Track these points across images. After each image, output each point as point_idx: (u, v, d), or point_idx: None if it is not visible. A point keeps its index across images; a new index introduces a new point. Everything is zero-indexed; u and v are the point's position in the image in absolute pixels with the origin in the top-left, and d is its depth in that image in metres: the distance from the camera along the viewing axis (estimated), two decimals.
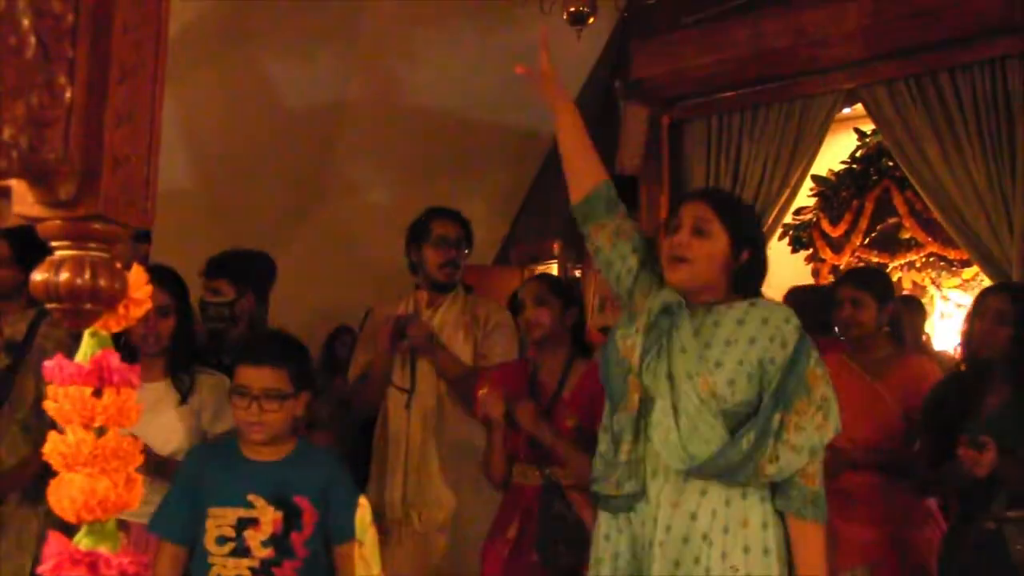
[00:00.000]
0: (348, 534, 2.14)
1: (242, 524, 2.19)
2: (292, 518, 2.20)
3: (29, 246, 2.85)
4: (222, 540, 2.19)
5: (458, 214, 3.28)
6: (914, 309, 4.02)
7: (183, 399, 2.60)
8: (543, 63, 2.29)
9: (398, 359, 3.08)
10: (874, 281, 3.35)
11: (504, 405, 2.58)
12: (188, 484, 2.29)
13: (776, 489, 2.00)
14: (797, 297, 3.72)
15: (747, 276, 2.08)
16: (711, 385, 1.96)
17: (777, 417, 1.95)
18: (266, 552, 2.17)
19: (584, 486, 2.49)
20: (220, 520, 2.20)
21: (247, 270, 3.44)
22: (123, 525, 2.47)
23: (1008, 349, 2.66)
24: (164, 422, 2.57)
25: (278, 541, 2.18)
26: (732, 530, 1.97)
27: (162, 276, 2.68)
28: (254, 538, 2.18)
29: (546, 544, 2.57)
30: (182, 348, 2.65)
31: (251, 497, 2.19)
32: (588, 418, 2.55)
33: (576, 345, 2.74)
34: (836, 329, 3.32)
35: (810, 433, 1.96)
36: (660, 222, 4.92)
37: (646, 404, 2.05)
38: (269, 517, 2.19)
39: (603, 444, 2.14)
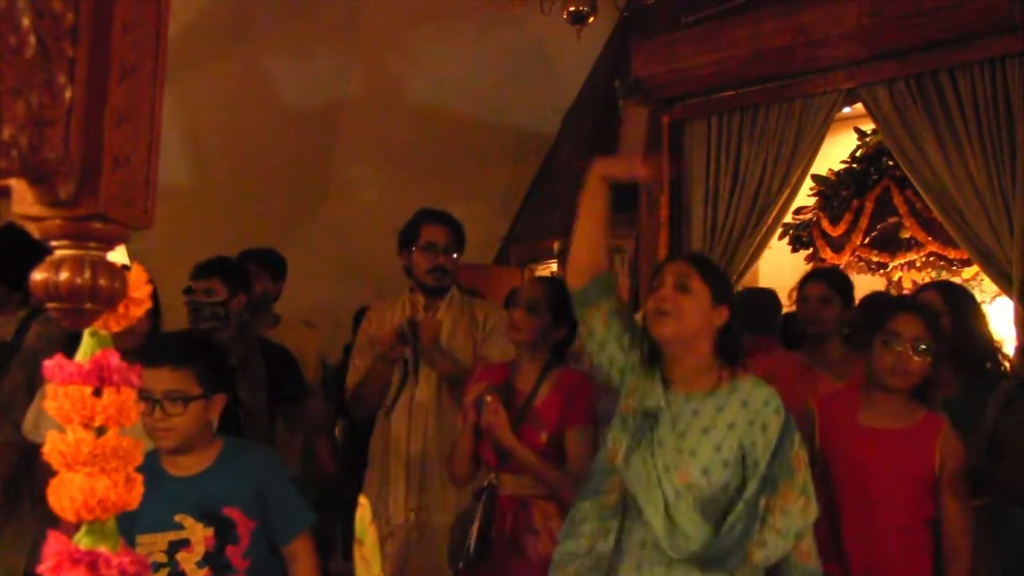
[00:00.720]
0: (293, 531, 2.13)
1: (173, 548, 2.06)
2: (225, 532, 2.08)
3: (10, 253, 2.86)
4: (156, 566, 2.05)
5: (448, 217, 3.22)
6: (892, 300, 4.04)
7: None
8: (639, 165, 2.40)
9: (398, 364, 3.07)
10: (843, 283, 3.43)
11: (476, 413, 2.58)
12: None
13: (774, 573, 2.04)
14: (746, 297, 3.76)
15: (729, 342, 2.13)
16: (685, 476, 2.01)
17: (763, 502, 2.00)
18: (202, 573, 2.05)
19: (554, 496, 2.53)
20: (151, 547, 2.06)
21: (239, 271, 3.45)
22: None
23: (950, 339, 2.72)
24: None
25: (213, 559, 2.06)
26: None
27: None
28: (188, 560, 2.06)
29: (455, 551, 2.60)
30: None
31: (178, 518, 2.07)
32: (559, 427, 2.56)
33: (555, 355, 2.72)
34: (797, 324, 3.39)
35: (795, 517, 2.01)
36: (660, 224, 4.93)
37: (626, 502, 2.11)
38: (200, 536, 2.07)
39: (574, 524, 2.18)
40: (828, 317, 3.28)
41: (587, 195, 2.30)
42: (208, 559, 2.06)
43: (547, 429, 2.57)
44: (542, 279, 3.02)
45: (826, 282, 3.40)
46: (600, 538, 2.10)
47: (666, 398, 2.10)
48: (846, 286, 3.44)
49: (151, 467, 2.11)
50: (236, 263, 3.53)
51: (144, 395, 2.05)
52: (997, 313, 4.55)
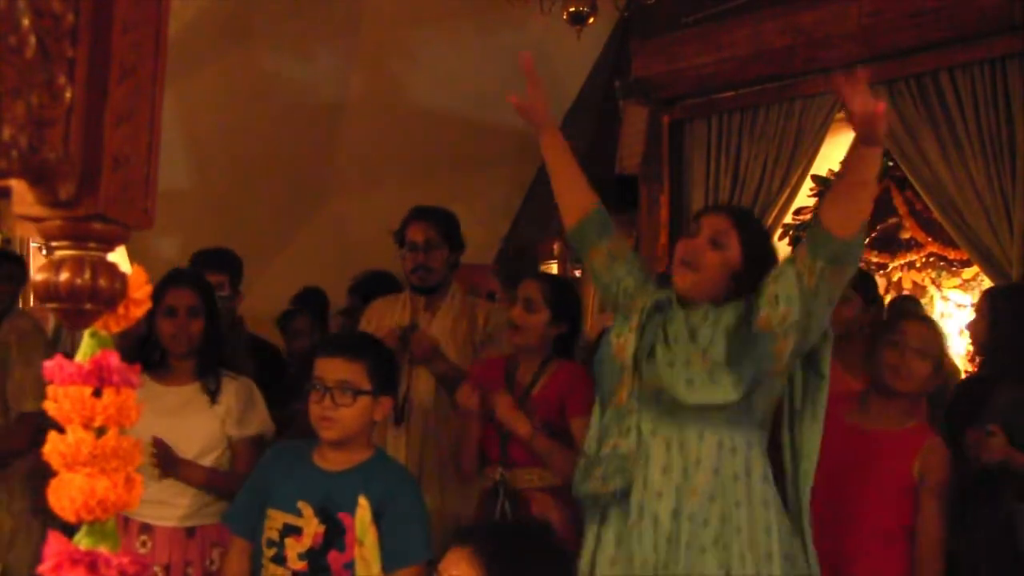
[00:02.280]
0: (398, 562, 2.03)
1: (286, 530, 2.09)
2: (334, 535, 2.06)
3: None
4: (269, 543, 2.11)
5: (434, 213, 3.16)
6: (912, 309, 4.02)
7: (212, 401, 2.60)
8: (532, 86, 2.27)
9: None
10: (864, 280, 3.36)
11: (480, 396, 2.57)
12: (258, 481, 2.22)
13: (807, 245, 1.99)
14: None
15: (746, 281, 2.10)
16: (701, 367, 2.01)
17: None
18: (300, 565, 2.06)
19: (553, 484, 2.52)
20: (272, 522, 2.11)
21: (237, 267, 3.43)
22: (147, 527, 2.50)
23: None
24: (193, 425, 2.57)
25: (315, 556, 2.05)
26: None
27: (192, 278, 2.68)
28: (293, 548, 2.07)
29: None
30: (210, 350, 2.63)
31: (301, 504, 2.08)
32: (557, 415, 2.56)
33: (556, 349, 2.71)
34: None
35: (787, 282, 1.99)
36: (660, 224, 4.93)
37: (642, 394, 2.10)
38: (312, 529, 2.07)
39: (588, 444, 2.17)
40: (848, 316, 3.16)
41: (544, 148, 2.30)
42: (310, 554, 2.06)
43: (540, 415, 2.57)
44: (538, 276, 2.95)
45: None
46: (621, 438, 2.09)
47: (678, 307, 2.11)
48: (867, 283, 3.35)
49: (301, 451, 2.18)
50: (236, 256, 3.52)
51: (315, 383, 2.10)
52: None
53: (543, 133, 2.30)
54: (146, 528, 2.52)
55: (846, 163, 1.99)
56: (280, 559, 2.07)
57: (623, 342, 2.12)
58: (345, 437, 2.13)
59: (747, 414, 2.03)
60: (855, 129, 1.93)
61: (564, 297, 2.73)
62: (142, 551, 2.47)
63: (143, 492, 0.85)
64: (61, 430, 0.81)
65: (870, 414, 2.53)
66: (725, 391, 1.96)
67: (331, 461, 2.16)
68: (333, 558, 2.07)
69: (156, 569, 2.43)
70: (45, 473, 0.82)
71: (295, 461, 2.20)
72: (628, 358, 2.09)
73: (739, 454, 2.01)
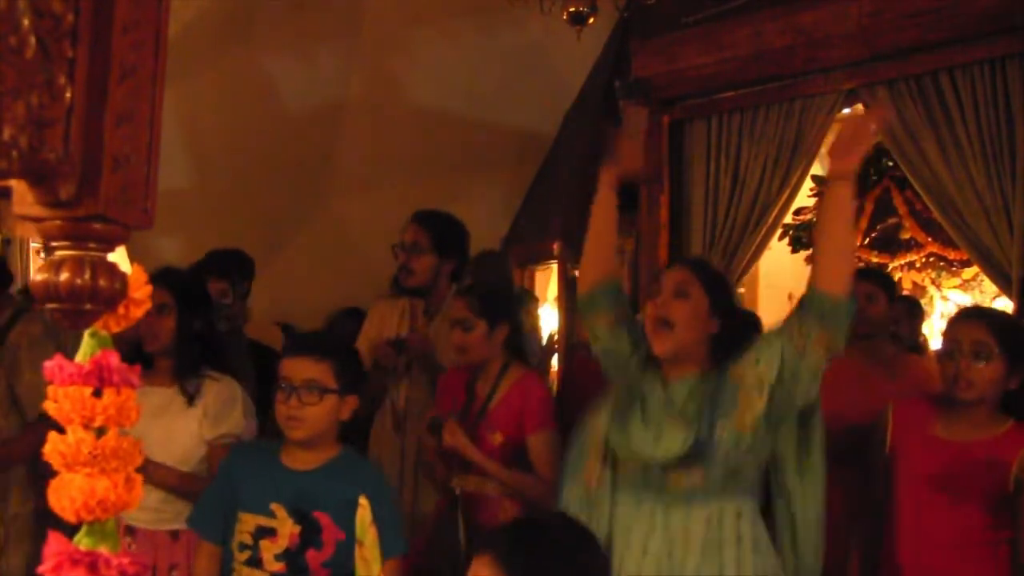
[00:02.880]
0: (384, 555, 2.02)
1: (260, 533, 2.08)
2: (310, 534, 2.07)
3: None
4: (242, 547, 2.10)
5: (430, 220, 3.17)
6: (913, 310, 4.02)
7: (189, 403, 2.57)
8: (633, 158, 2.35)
9: (393, 377, 3.06)
10: (887, 280, 3.37)
11: (433, 423, 2.60)
12: (223, 483, 2.21)
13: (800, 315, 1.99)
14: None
15: (725, 345, 2.12)
16: (673, 439, 2.02)
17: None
18: (278, 566, 2.05)
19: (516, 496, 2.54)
20: (243, 525, 2.10)
21: (242, 271, 3.44)
22: (130, 530, 2.49)
23: None
24: (168, 427, 2.55)
25: (292, 556, 2.05)
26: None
27: (162, 275, 2.66)
28: (269, 549, 2.06)
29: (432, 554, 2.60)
30: (186, 350, 2.60)
31: (273, 506, 2.08)
32: (515, 430, 2.57)
33: (512, 350, 2.72)
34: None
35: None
36: (660, 224, 4.93)
37: (609, 471, 2.13)
38: (287, 530, 2.07)
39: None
40: (875, 315, 3.18)
41: (599, 203, 2.30)
42: (287, 555, 2.06)
43: (501, 432, 2.58)
44: (462, 293, 2.90)
45: (870, 279, 3.30)
46: (593, 523, 2.08)
47: (658, 383, 2.14)
48: (889, 282, 3.38)
49: (268, 452, 2.17)
50: (243, 258, 3.52)
51: (281, 383, 2.10)
52: None
53: (607, 188, 2.30)
54: (129, 530, 2.50)
55: (822, 211, 2.00)
56: (255, 562, 2.06)
57: (598, 424, 2.16)
58: (312, 436, 2.13)
59: (733, 481, 2.02)
60: (832, 162, 1.94)
61: (494, 303, 2.73)
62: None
63: None
64: (62, 430, 0.81)
65: (957, 424, 2.40)
66: (675, 442, 1.99)
67: (299, 460, 2.16)
68: (311, 557, 2.07)
69: None
70: (45, 474, 0.83)
71: (261, 462, 2.19)
72: (599, 438, 2.12)
73: (727, 525, 2.01)
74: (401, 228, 3.20)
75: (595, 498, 2.12)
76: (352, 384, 2.19)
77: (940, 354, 2.43)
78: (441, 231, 3.15)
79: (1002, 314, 2.60)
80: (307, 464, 2.15)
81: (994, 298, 4.72)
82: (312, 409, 2.10)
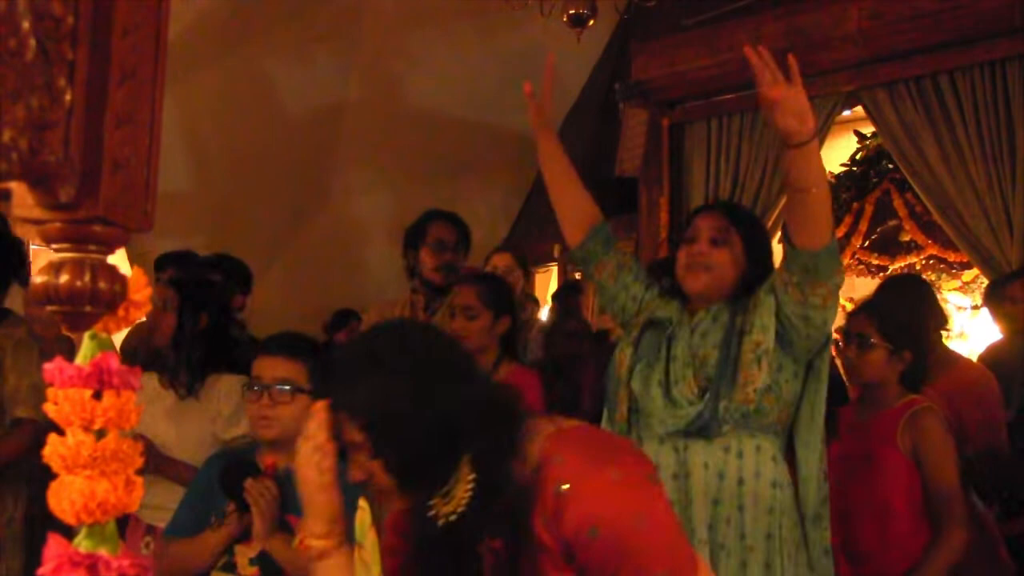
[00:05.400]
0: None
1: (235, 538, 2.06)
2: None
3: None
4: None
5: (456, 217, 3.24)
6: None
7: (196, 399, 2.59)
8: (547, 84, 2.27)
9: None
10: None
11: None
12: (200, 491, 2.19)
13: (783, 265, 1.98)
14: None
15: (752, 278, 2.10)
16: (691, 388, 2.00)
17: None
18: (251, 571, 2.03)
19: None
20: None
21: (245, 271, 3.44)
22: (151, 529, 2.49)
23: None
24: (187, 428, 2.57)
25: (266, 561, 2.03)
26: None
27: (169, 263, 2.63)
28: (243, 554, 2.04)
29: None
30: (185, 348, 2.61)
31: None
32: None
33: (505, 347, 2.70)
34: None
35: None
36: (660, 226, 4.92)
37: (634, 413, 2.09)
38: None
39: None
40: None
41: (542, 155, 2.29)
42: (261, 559, 2.04)
43: None
44: (470, 280, 2.89)
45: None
46: None
47: (681, 316, 2.10)
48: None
49: (241, 457, 2.15)
50: (241, 263, 3.52)
51: (253, 383, 2.09)
52: None
53: (543, 137, 2.28)
54: (150, 529, 2.52)
55: (783, 173, 1.98)
56: (229, 566, 2.04)
57: (622, 356, 2.12)
58: (284, 436, 2.09)
59: (756, 418, 2.00)
60: (776, 125, 1.81)
61: (500, 294, 2.74)
62: (144, 552, 2.47)
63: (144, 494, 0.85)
64: (60, 432, 0.81)
65: (865, 408, 2.60)
66: (683, 419, 1.97)
67: (272, 463, 2.13)
68: None
69: None
70: (43, 478, 0.82)
71: None
72: (624, 372, 2.09)
73: (747, 458, 2.00)
74: (411, 228, 3.21)
75: (622, 428, 2.09)
76: None
77: (837, 347, 2.60)
78: (466, 228, 3.21)
79: (886, 304, 2.72)
80: (281, 466, 2.13)
81: None
82: (284, 408, 2.09)
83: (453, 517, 1.25)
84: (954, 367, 3.11)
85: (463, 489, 1.25)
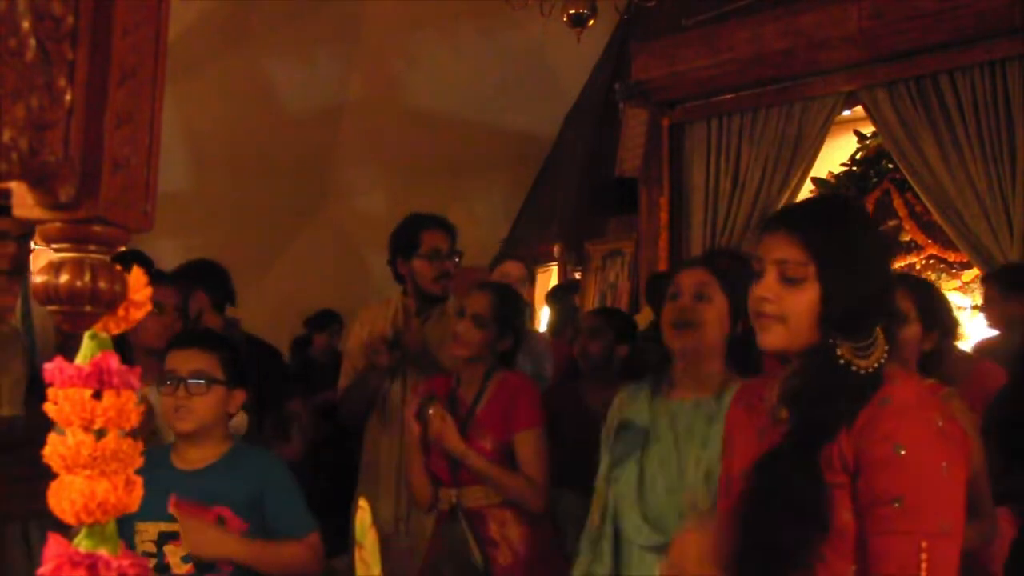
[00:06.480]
0: (304, 530, 2.11)
1: (163, 538, 2.05)
2: None
3: None
4: (145, 556, 2.02)
5: (445, 221, 3.13)
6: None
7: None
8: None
9: (387, 377, 3.03)
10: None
11: (420, 425, 2.48)
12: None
13: None
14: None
15: (743, 348, 2.01)
16: (689, 493, 1.94)
17: None
18: (186, 568, 2.03)
19: (511, 502, 2.47)
20: (144, 535, 2.06)
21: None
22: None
23: None
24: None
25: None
26: None
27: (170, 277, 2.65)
28: (174, 553, 2.03)
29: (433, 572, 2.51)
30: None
31: (172, 509, 2.02)
32: (504, 433, 2.48)
33: (500, 360, 2.63)
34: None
35: None
36: (660, 225, 4.93)
37: (611, 516, 2.06)
38: None
39: (591, 515, 2.14)
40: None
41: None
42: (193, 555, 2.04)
43: (491, 436, 2.48)
44: (488, 288, 2.78)
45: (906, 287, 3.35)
46: (596, 562, 2.05)
47: (653, 409, 2.06)
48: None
49: (159, 456, 2.11)
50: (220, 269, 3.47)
51: (168, 376, 2.10)
52: None
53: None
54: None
55: None
56: (162, 568, 2.04)
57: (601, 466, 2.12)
58: (200, 428, 2.12)
59: None
60: None
61: (513, 313, 2.66)
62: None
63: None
64: (46, 428, 0.81)
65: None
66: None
67: (192, 460, 2.14)
68: None
69: None
70: (43, 476, 0.82)
71: (153, 468, 2.10)
72: (602, 480, 2.08)
73: None
74: (400, 235, 3.15)
75: (595, 535, 2.09)
76: (240, 377, 2.19)
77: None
78: (455, 230, 3.12)
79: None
80: (200, 463, 2.14)
81: None
82: (200, 400, 2.09)
83: (868, 371, 1.37)
84: (973, 368, 3.10)
85: (880, 351, 1.39)
